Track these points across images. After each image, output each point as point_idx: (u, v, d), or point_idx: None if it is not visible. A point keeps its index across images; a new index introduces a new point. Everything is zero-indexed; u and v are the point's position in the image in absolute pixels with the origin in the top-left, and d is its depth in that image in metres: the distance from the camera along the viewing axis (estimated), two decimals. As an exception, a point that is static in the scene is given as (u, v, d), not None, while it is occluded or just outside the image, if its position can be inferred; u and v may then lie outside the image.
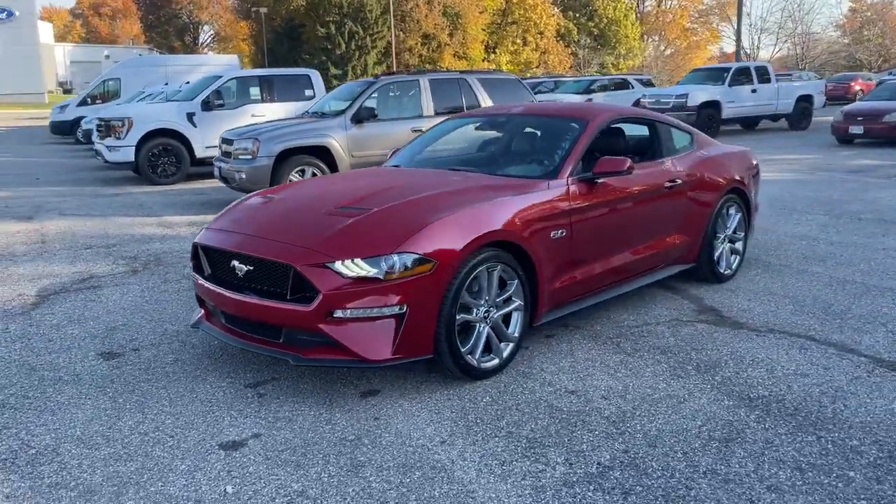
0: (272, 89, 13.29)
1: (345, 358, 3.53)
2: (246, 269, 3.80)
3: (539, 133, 5.08)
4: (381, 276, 3.50)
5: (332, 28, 57.74)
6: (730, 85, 20.08)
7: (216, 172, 10.01)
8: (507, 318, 4.06)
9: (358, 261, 3.52)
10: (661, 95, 20.62)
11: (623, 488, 2.85)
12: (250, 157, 9.31)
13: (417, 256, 3.54)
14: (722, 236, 5.67)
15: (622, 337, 4.56)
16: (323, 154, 9.48)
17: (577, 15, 68.34)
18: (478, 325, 3.87)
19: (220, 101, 12.66)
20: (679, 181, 5.17)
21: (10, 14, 52.36)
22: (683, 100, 19.61)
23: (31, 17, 53.58)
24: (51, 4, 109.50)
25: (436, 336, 3.64)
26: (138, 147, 12.38)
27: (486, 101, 10.60)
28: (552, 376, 3.96)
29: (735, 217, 5.79)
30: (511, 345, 4.05)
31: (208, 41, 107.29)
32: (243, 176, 9.24)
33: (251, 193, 4.90)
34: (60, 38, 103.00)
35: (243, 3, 73.17)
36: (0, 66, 52.32)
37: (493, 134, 5.60)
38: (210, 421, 3.50)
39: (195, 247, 4.20)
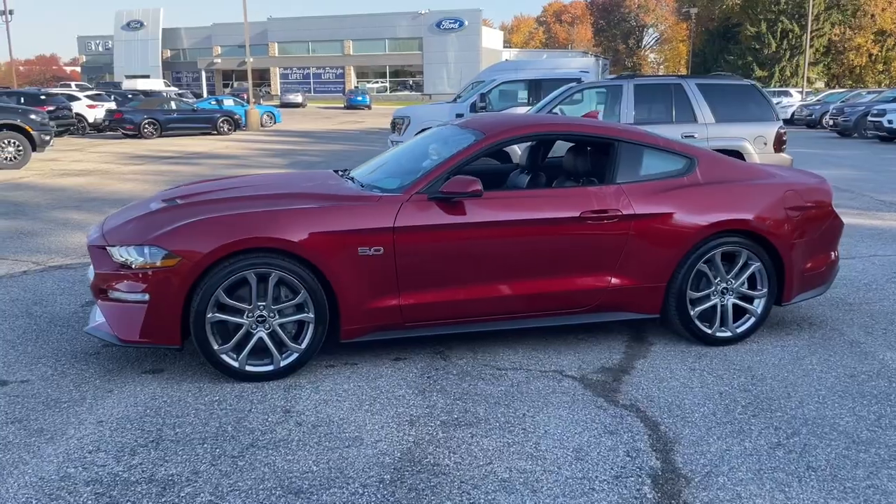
0: (539, 92, 13.58)
1: (109, 333, 4.01)
2: (98, 246, 4.51)
3: (446, 146, 4.74)
4: (133, 265, 3.89)
5: (764, 26, 54.04)
6: None
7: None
8: (302, 328, 4.07)
9: (129, 248, 3.95)
10: None
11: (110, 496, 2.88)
12: (436, 155, 9.89)
13: (163, 251, 3.84)
14: (714, 289, 4.56)
15: (460, 376, 4.13)
16: (499, 155, 9.60)
17: None
18: (248, 327, 3.97)
19: (484, 104, 13.39)
20: (617, 212, 4.35)
21: (461, 24, 60.33)
22: None
23: (477, 26, 61.04)
24: (521, 14, 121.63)
25: (183, 329, 3.89)
26: (413, 142, 13.79)
27: (703, 112, 9.50)
28: (308, 394, 3.87)
29: (749, 268, 4.57)
30: (295, 355, 4.05)
31: (651, 43, 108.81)
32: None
33: None
34: (524, 44, 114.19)
35: (681, 4, 72.69)
36: (452, 69, 60.69)
37: (435, 145, 5.30)
38: (29, 361, 4.29)
39: None
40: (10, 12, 52.76)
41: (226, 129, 27.10)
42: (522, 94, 13.79)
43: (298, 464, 3.14)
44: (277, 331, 4.01)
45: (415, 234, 4.08)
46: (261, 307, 3.96)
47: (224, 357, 3.95)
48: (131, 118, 25.35)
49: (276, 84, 65.93)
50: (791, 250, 4.61)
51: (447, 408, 3.70)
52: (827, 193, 4.84)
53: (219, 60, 69.06)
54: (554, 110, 9.88)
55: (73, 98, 28.56)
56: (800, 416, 3.62)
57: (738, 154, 9.36)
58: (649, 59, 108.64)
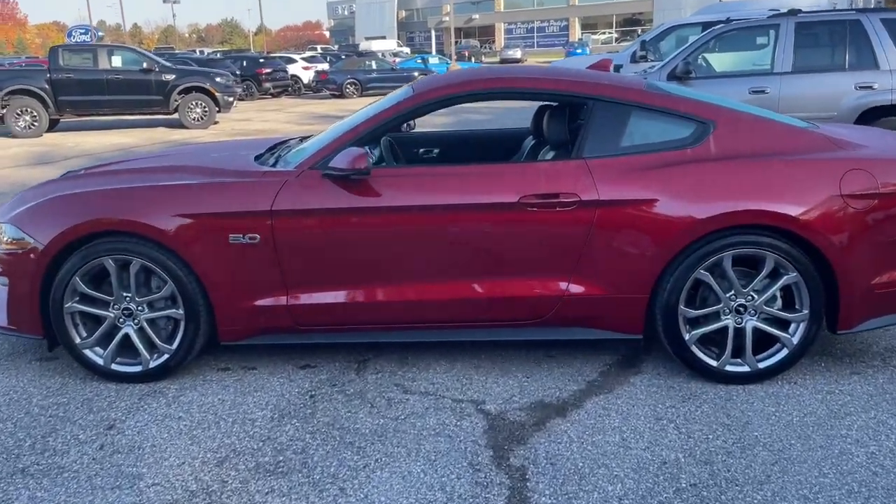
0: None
1: (-8, 315, 3.71)
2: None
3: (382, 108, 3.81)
4: (1, 243, 3.54)
5: None
6: None
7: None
8: (178, 325, 3.49)
9: (4, 225, 3.60)
10: None
11: None
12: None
13: (16, 230, 3.44)
14: (724, 306, 3.27)
15: (352, 397, 3.32)
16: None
17: None
18: (114, 321, 3.47)
19: (644, 53, 11.84)
20: (574, 197, 3.22)
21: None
22: None
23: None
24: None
25: (42, 317, 3.48)
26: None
27: (888, 55, 7.41)
28: (158, 405, 3.30)
29: (781, 279, 3.22)
30: (165, 356, 3.49)
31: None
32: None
33: None
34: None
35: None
36: (686, 14, 56.29)
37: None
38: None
39: None
40: (261, -18, 57.33)
41: (423, 87, 27.19)
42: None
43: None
44: (145, 327, 3.46)
45: (299, 219, 3.29)
46: (127, 299, 3.43)
47: (88, 353, 3.48)
48: (335, 79, 26.31)
49: (500, 40, 65.66)
50: (850, 256, 3.16)
51: (286, 444, 2.93)
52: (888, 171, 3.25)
53: (447, 19, 70.16)
54: (697, 60, 8.30)
55: (291, 61, 30.31)
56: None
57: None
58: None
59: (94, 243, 3.34)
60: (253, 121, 18.27)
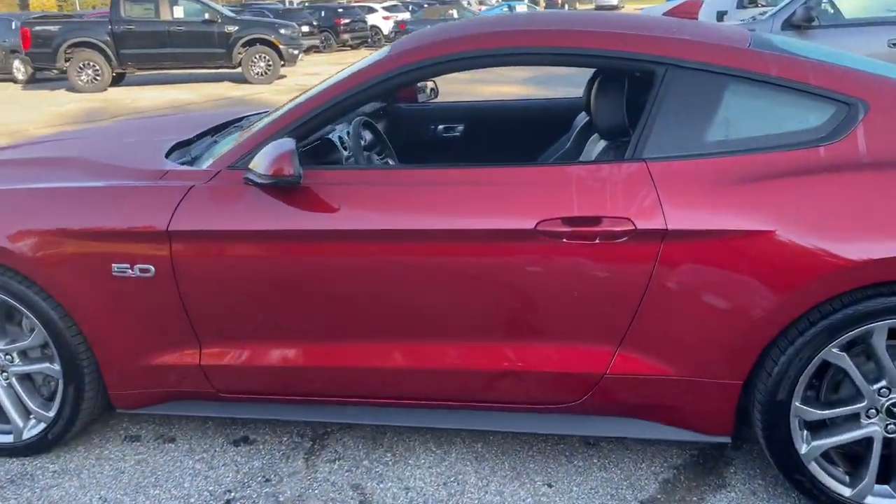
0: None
1: None
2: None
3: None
4: None
5: None
6: None
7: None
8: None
9: None
10: None
11: None
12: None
13: None
14: (867, 405, 2.01)
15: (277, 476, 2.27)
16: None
17: None
18: (-24, 374, 2.52)
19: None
20: (626, 223, 2.00)
21: None
22: None
23: None
24: None
25: None
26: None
27: None
28: (24, 485, 2.33)
29: (970, 363, 1.94)
30: (42, 425, 2.51)
31: None
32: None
33: None
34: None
35: None
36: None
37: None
38: None
39: None
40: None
41: (507, 37, 25.68)
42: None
43: None
44: (15, 384, 2.49)
45: (209, 244, 2.21)
46: (-9, 346, 2.46)
47: (-58, 415, 2.54)
48: (413, 28, 25.02)
49: (597, -14, 62.23)
50: None
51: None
52: None
53: (541, -36, 67.21)
54: (821, 5, 6.74)
55: (371, 10, 29.18)
56: None
57: None
58: None
59: (-61, 269, 2.36)
60: (321, 75, 17.30)
